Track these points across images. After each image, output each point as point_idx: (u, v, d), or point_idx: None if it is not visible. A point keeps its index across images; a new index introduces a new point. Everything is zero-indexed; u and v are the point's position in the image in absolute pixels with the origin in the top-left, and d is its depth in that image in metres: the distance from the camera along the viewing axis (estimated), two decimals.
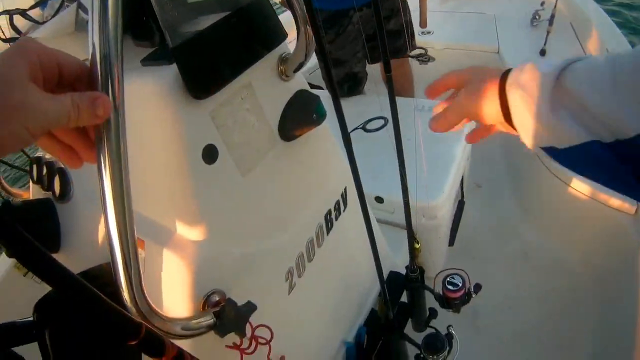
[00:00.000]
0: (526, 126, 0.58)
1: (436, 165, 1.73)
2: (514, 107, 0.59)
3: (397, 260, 1.54)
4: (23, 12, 1.20)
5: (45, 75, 0.46)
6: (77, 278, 0.44)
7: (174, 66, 0.69)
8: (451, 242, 2.00)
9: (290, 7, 0.79)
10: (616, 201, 1.88)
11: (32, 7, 1.24)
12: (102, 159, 0.50)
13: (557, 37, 2.86)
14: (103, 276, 0.84)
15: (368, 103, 2.18)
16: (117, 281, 0.58)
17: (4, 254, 1.80)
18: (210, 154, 0.73)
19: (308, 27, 0.79)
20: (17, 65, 0.43)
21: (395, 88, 2.51)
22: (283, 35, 0.85)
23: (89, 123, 0.48)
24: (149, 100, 0.68)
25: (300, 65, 0.86)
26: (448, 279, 1.34)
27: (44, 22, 1.19)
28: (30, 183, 1.22)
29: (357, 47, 2.17)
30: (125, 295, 0.58)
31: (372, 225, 1.28)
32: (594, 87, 0.50)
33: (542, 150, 0.57)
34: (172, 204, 0.75)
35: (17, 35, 1.24)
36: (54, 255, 1.11)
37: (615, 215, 1.90)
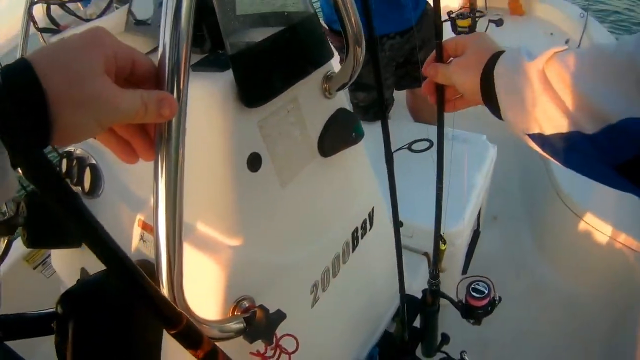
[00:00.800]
0: (515, 112, 0.62)
1: (457, 193, 1.74)
2: (501, 94, 0.64)
3: (412, 284, 1.54)
4: (62, 4, 1.23)
5: (118, 69, 0.46)
6: (129, 259, 0.45)
7: (226, 74, 0.71)
8: (464, 271, 2.00)
9: (342, 27, 0.80)
10: (628, 238, 1.88)
11: (72, 0, 1.27)
12: (159, 158, 0.52)
13: None
14: None
15: (393, 128, 2.21)
16: (158, 278, 0.58)
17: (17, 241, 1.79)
18: (254, 162, 0.75)
19: (358, 48, 0.81)
20: (94, 56, 0.43)
21: (420, 116, 2.52)
22: (330, 54, 0.87)
23: (153, 121, 0.49)
24: (202, 104, 0.70)
25: (344, 85, 0.88)
26: (473, 286, 1.27)
27: (87, 19, 1.22)
28: None
29: (386, 74, 2.19)
30: (166, 293, 0.59)
31: (393, 248, 1.30)
32: (580, 75, 0.52)
33: (529, 138, 0.61)
34: (213, 206, 0.76)
35: (53, 27, 1.27)
36: (78, 250, 1.12)
37: (628, 253, 1.90)
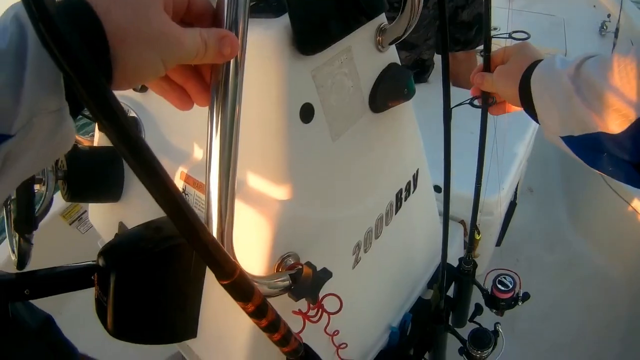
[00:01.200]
0: (549, 116, 0.66)
1: (498, 161, 1.69)
2: (536, 99, 0.68)
3: (448, 252, 1.51)
4: None
5: (175, 7, 0.44)
6: (191, 209, 0.42)
7: (281, 20, 0.68)
8: (498, 242, 1.97)
9: None
10: None
11: None
12: (215, 105, 0.49)
13: (623, 51, 2.78)
14: (167, 228, 0.84)
15: (432, 92, 2.15)
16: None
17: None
18: (307, 113, 0.72)
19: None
20: None
21: (460, 81, 2.47)
22: (384, 6, 0.83)
23: (213, 61, 0.47)
24: (256, 50, 0.66)
25: (397, 39, 0.84)
26: (499, 278, 1.31)
27: None
28: (96, 131, 1.23)
29: (429, 34, 2.12)
30: None
31: (434, 214, 1.27)
32: (605, 78, 0.56)
33: (562, 141, 0.65)
34: (263, 158, 0.74)
35: None
36: (116, 204, 1.12)
37: None
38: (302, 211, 0.76)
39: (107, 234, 1.26)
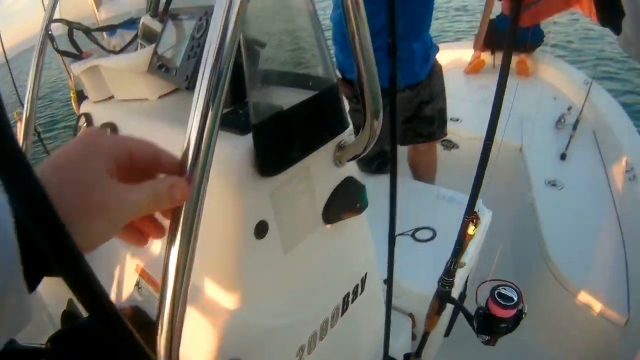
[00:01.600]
0: None
1: (448, 255, 1.74)
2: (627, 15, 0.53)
3: (394, 345, 1.53)
4: (86, 31, 1.21)
5: (118, 165, 0.46)
6: (125, 321, 0.43)
7: (246, 139, 0.71)
8: (447, 333, 1.99)
9: (362, 100, 0.80)
10: (610, 312, 1.91)
11: (99, 29, 1.26)
12: (175, 220, 0.50)
13: (579, 143, 2.88)
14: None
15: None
16: (157, 339, 0.57)
17: None
18: (261, 230, 0.75)
19: (375, 121, 0.81)
20: (94, 165, 0.43)
21: (419, 172, 2.55)
22: (346, 124, 0.86)
23: (167, 207, 0.48)
24: (219, 167, 0.68)
25: (356, 157, 0.88)
26: (498, 290, 1.03)
27: (110, 50, 1.21)
28: None
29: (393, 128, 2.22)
30: (162, 353, 0.58)
31: (381, 311, 1.29)
32: None
33: None
34: (216, 270, 0.77)
35: (76, 52, 1.25)
36: None
37: (608, 327, 1.92)
38: (250, 319, 0.79)
39: (54, 307, 1.24)
